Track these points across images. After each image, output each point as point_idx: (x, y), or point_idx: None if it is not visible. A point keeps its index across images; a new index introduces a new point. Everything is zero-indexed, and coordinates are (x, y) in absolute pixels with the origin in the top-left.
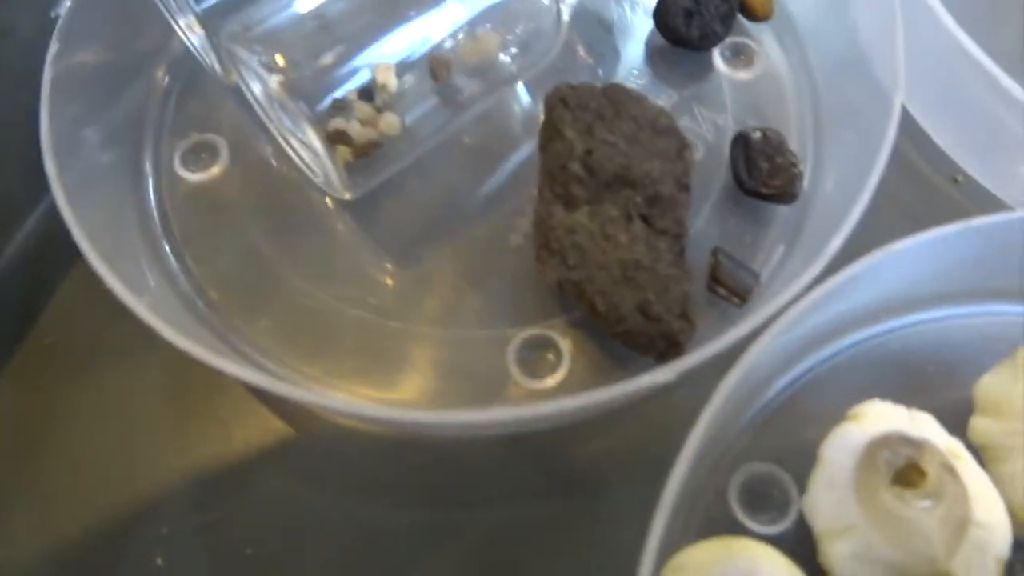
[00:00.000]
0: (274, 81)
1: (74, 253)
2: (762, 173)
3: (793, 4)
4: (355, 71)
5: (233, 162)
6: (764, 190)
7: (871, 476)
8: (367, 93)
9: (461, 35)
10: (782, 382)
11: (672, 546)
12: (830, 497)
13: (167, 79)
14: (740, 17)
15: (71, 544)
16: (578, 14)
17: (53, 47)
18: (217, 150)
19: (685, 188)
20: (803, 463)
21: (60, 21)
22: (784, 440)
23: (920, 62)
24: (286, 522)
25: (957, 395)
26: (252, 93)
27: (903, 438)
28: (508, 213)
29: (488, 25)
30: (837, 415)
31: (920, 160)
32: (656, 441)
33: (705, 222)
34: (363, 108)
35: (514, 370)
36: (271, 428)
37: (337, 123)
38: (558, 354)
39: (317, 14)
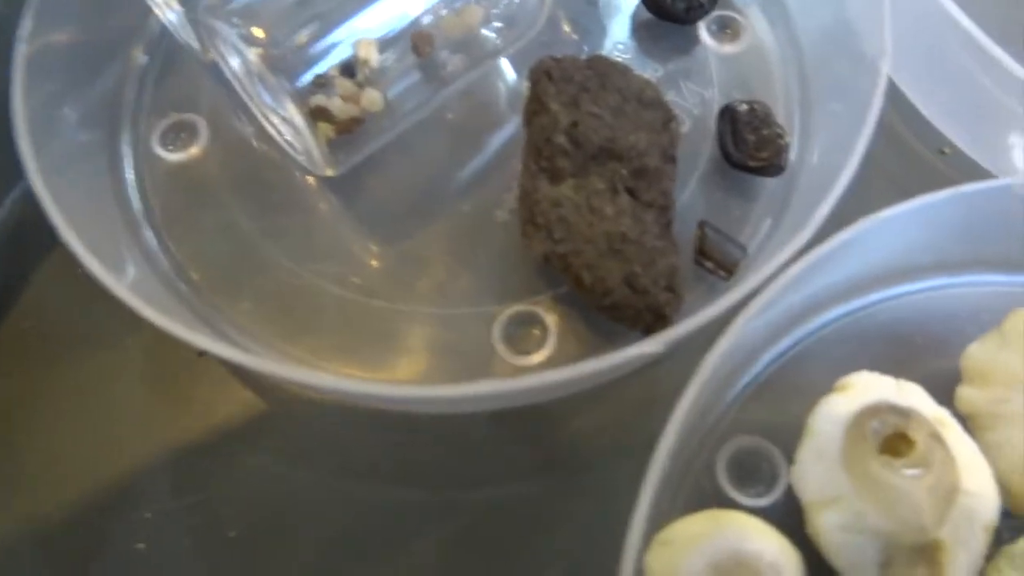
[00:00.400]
0: (253, 54)
1: (52, 236)
2: (749, 146)
3: None
4: (336, 46)
5: (212, 141)
6: (751, 163)
7: (859, 446)
8: (348, 69)
9: (444, 9)
10: (769, 355)
11: (660, 520)
12: (818, 468)
13: (144, 58)
14: None
15: (51, 529)
16: None
17: (26, 24)
18: (196, 130)
19: (671, 160)
20: (791, 436)
21: None
22: (772, 413)
23: (907, 32)
24: (270, 503)
25: (945, 365)
26: (231, 69)
27: (891, 407)
28: (493, 189)
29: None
30: (825, 387)
31: (907, 131)
32: (643, 415)
33: (692, 195)
34: (345, 84)
35: (500, 347)
36: (254, 409)
37: (318, 99)
38: (544, 330)
39: None
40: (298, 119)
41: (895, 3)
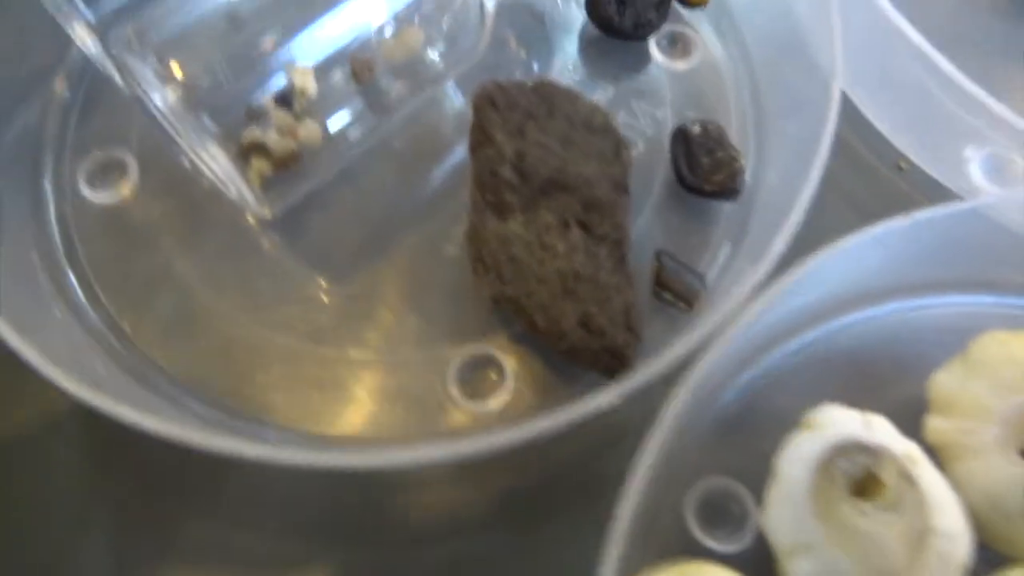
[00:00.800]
0: (172, 93)
1: None
2: (703, 169)
3: None
4: (270, 75)
5: (144, 180)
6: (706, 187)
7: (828, 489)
8: (284, 99)
9: (384, 33)
10: (732, 390)
11: (628, 570)
12: (787, 512)
13: (67, 92)
14: (676, 5)
15: None
16: (507, 6)
17: None
18: (126, 167)
19: (624, 190)
20: (760, 474)
21: None
22: (738, 451)
23: (858, 46)
24: (217, 571)
25: (910, 392)
26: (154, 105)
27: (859, 446)
28: (443, 221)
29: (412, 21)
30: (790, 421)
31: (862, 147)
32: (606, 454)
33: (647, 222)
34: (280, 116)
35: (455, 392)
36: (195, 469)
37: (252, 133)
38: (500, 373)
39: (227, 13)
40: (226, 161)
41: (846, 18)
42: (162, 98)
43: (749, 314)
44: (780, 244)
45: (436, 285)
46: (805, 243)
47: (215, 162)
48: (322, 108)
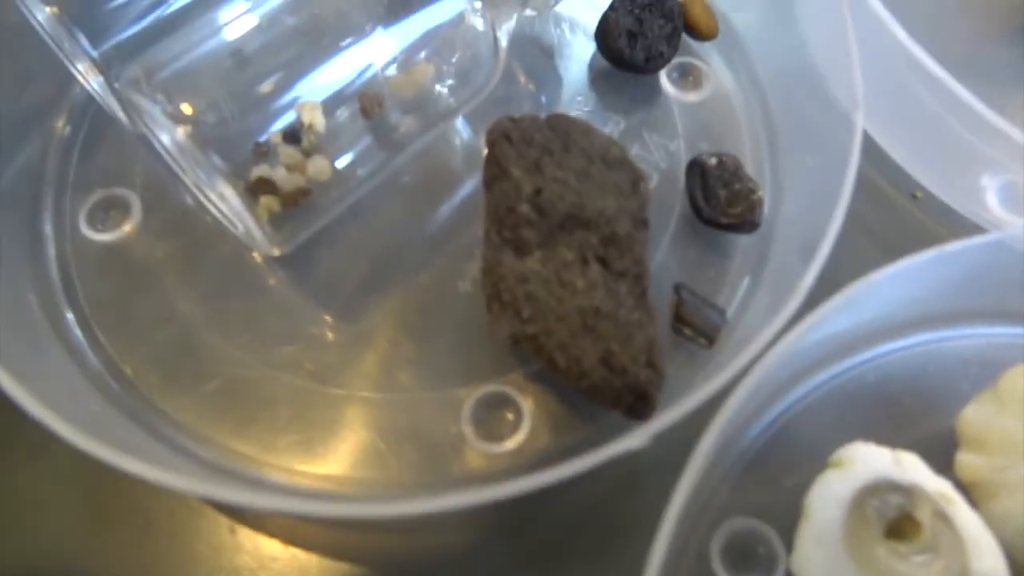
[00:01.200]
0: (181, 133)
1: None
2: (720, 201)
3: (738, 21)
4: (278, 112)
5: (147, 218)
6: (723, 219)
7: (862, 530)
8: (293, 135)
9: (393, 68)
10: (757, 427)
11: None
12: (820, 555)
13: (68, 129)
14: (685, 37)
15: None
16: (516, 40)
17: None
18: (128, 206)
19: (643, 224)
20: (787, 514)
21: None
22: (764, 491)
23: (871, 74)
24: None
25: (939, 426)
26: (160, 144)
27: (892, 485)
28: (455, 257)
29: (421, 56)
30: (817, 458)
31: (877, 176)
32: (628, 494)
33: (664, 256)
34: (289, 152)
35: (469, 433)
36: (205, 521)
37: (261, 171)
38: (517, 412)
39: (233, 50)
40: (235, 199)
41: (860, 46)
42: (170, 137)
43: (777, 351)
44: (808, 280)
45: (448, 323)
46: (822, 275)
47: (223, 200)
48: (331, 144)
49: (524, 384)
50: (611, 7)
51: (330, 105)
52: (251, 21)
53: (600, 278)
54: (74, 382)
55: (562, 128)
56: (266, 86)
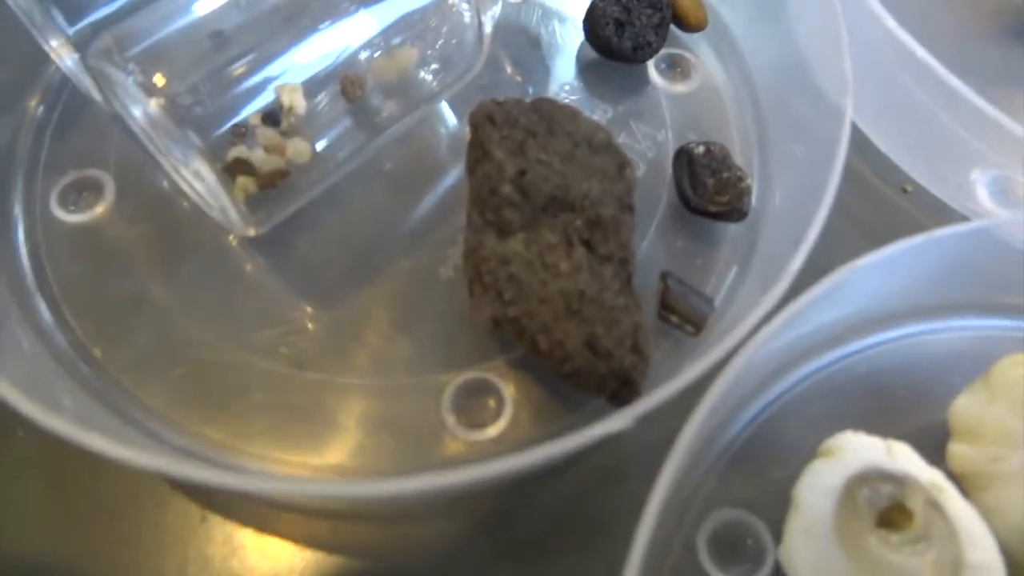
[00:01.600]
0: (154, 105)
1: None
2: (708, 190)
3: (727, 12)
4: (256, 92)
5: (120, 200)
6: (711, 208)
7: (853, 519)
8: (272, 117)
9: (376, 51)
10: (744, 417)
11: None
12: (809, 545)
13: (41, 109)
14: (674, 28)
15: None
16: (503, 27)
17: None
18: (101, 187)
19: (628, 209)
20: (775, 505)
21: None
22: (752, 481)
23: (861, 66)
24: None
25: (930, 418)
26: (134, 120)
27: (883, 474)
28: (436, 244)
29: (404, 40)
30: (806, 449)
31: (866, 169)
32: (611, 486)
33: (651, 244)
34: (267, 134)
35: (450, 420)
36: (173, 510)
37: (238, 151)
38: (499, 399)
39: (211, 28)
40: (210, 177)
41: (850, 38)
42: (143, 112)
43: (762, 336)
44: (793, 269)
45: (429, 309)
46: (810, 264)
47: (198, 179)
48: (310, 126)
49: (506, 371)
50: None
51: (311, 87)
52: (230, 1)
53: (585, 261)
54: (43, 364)
55: (547, 111)
56: (245, 66)
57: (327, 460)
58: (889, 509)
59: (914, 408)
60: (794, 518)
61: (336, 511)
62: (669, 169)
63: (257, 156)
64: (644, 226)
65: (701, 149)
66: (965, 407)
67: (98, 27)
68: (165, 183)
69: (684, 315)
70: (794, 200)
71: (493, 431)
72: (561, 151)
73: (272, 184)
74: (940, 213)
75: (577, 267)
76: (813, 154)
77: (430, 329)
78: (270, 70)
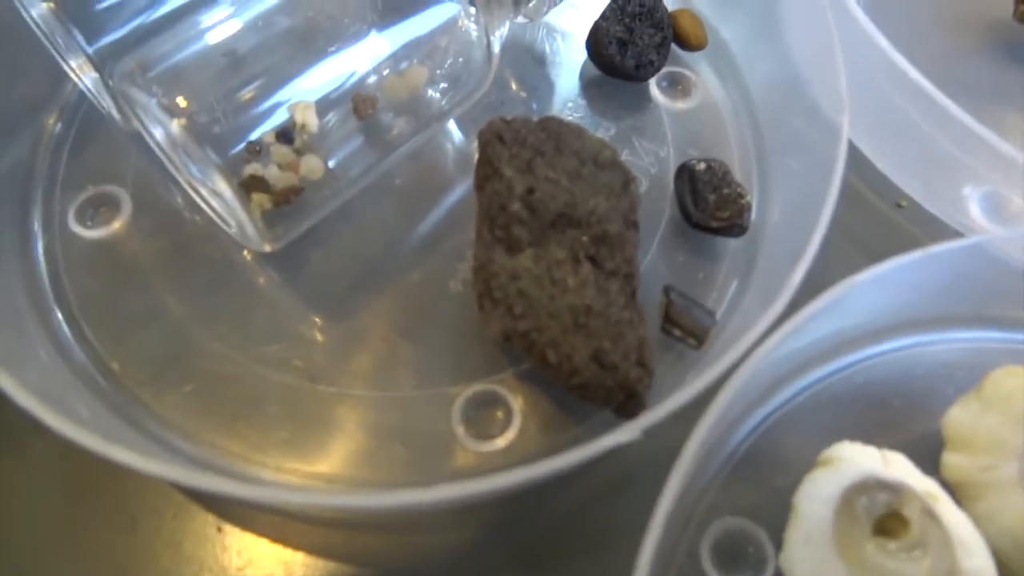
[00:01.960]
0: (176, 126)
1: None
2: (709, 205)
3: (726, 31)
4: (271, 111)
5: (136, 216)
6: (713, 223)
7: (851, 527)
8: (285, 135)
9: (386, 70)
10: (745, 427)
11: None
12: (809, 553)
13: (59, 126)
14: (674, 47)
15: None
16: (508, 46)
17: None
18: (118, 203)
19: (633, 225)
20: (776, 514)
21: None
22: (754, 491)
23: (856, 86)
24: None
25: (925, 428)
26: (154, 139)
27: (880, 483)
28: (445, 258)
29: (414, 59)
30: (805, 459)
31: (862, 184)
32: (616, 496)
33: (653, 259)
34: (281, 151)
35: (460, 431)
36: (185, 515)
37: (253, 168)
38: (507, 411)
39: (227, 50)
40: (228, 193)
41: (845, 57)
42: (164, 131)
43: (763, 350)
44: (793, 284)
45: (438, 322)
46: (808, 280)
47: (215, 197)
48: (323, 144)
49: (514, 383)
50: (602, 16)
51: (323, 105)
52: (245, 22)
53: (591, 276)
54: (62, 377)
55: (554, 130)
56: (259, 86)
57: (341, 471)
58: (886, 517)
59: (909, 418)
60: (794, 526)
61: (348, 520)
62: (670, 184)
63: (271, 173)
64: (647, 241)
65: (702, 166)
66: (959, 417)
67: (116, 46)
68: (180, 199)
69: (687, 328)
70: (792, 214)
71: (502, 442)
72: (568, 169)
73: (286, 201)
74: (934, 228)
75: (584, 282)
76: (810, 169)
77: (439, 342)
78: (284, 89)
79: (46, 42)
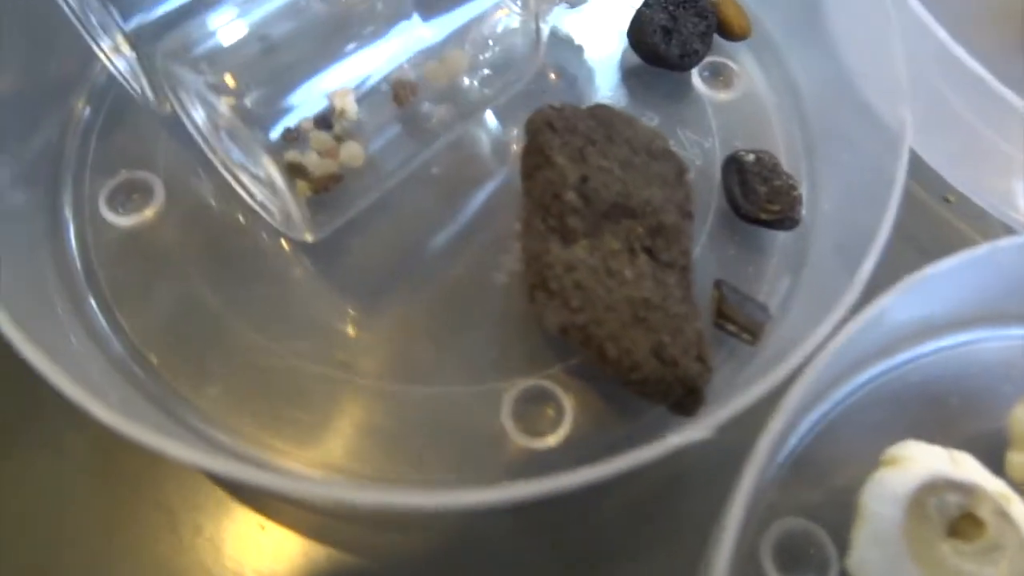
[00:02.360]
0: (224, 105)
1: None
2: (760, 197)
3: (770, 21)
4: (310, 97)
5: (170, 203)
6: (763, 215)
7: (923, 528)
8: (324, 121)
9: (426, 57)
10: (804, 426)
11: None
12: (879, 555)
13: (87, 110)
14: (716, 37)
15: None
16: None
17: None
18: (151, 189)
19: (688, 216)
20: (837, 515)
21: None
22: (813, 490)
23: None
24: None
25: (985, 427)
26: (193, 122)
27: (951, 483)
28: (487, 249)
29: (455, 46)
30: (864, 458)
31: (909, 179)
32: (669, 496)
33: (702, 252)
34: (320, 137)
35: (510, 427)
36: (226, 514)
37: (291, 155)
38: (558, 408)
39: (261, 34)
40: (277, 177)
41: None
42: (205, 113)
43: (830, 350)
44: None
45: (483, 315)
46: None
47: (256, 183)
48: (362, 131)
49: (563, 379)
50: (645, 4)
51: (362, 92)
52: (284, 5)
53: (648, 268)
54: (98, 368)
55: (605, 118)
56: (298, 71)
57: (385, 468)
58: (957, 519)
59: (967, 417)
60: (861, 527)
61: (392, 519)
62: (716, 176)
63: (310, 160)
64: (696, 233)
65: (752, 157)
66: None
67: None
68: (214, 186)
69: (742, 324)
70: (843, 209)
71: (553, 439)
72: (620, 158)
73: (325, 188)
74: (983, 223)
75: (641, 274)
76: (861, 162)
77: (485, 335)
78: (322, 75)
79: (77, 23)
